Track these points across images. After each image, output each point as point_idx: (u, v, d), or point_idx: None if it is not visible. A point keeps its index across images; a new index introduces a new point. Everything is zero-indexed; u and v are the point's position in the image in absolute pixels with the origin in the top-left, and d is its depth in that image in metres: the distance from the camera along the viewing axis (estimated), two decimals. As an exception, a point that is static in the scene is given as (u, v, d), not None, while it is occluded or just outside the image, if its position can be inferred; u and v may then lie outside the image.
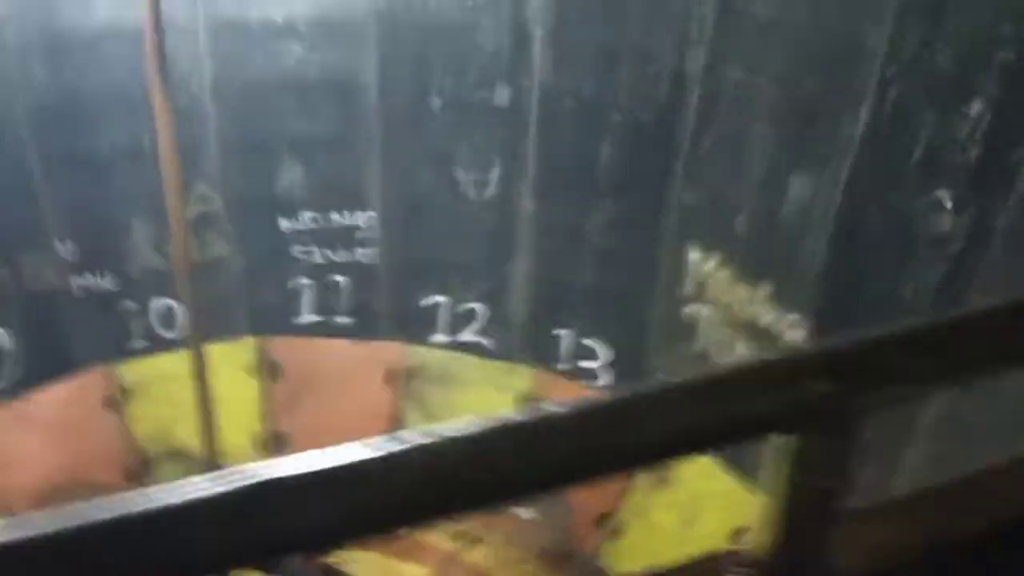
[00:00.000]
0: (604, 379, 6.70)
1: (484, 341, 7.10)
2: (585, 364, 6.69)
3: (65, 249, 6.50)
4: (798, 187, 5.02)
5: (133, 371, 7.02)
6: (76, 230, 6.48)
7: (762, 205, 5.30)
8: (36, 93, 6.03)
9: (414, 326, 7.18)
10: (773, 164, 5.20)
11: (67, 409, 6.84)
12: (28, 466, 6.67)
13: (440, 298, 7.07)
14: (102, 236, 6.58)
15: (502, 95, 6.22)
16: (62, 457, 6.82)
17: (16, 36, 5.86)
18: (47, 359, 6.70)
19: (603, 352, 6.64)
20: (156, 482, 6.98)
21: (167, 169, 4.50)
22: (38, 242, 6.39)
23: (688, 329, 5.98)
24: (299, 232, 6.95)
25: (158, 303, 6.89)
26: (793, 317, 5.20)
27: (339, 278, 7.12)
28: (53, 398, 6.78)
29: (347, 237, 6.97)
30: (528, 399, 7.07)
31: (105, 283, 6.75)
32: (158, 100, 4.38)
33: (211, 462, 5.44)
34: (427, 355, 7.24)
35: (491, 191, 6.56)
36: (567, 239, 6.43)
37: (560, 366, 6.84)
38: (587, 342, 6.64)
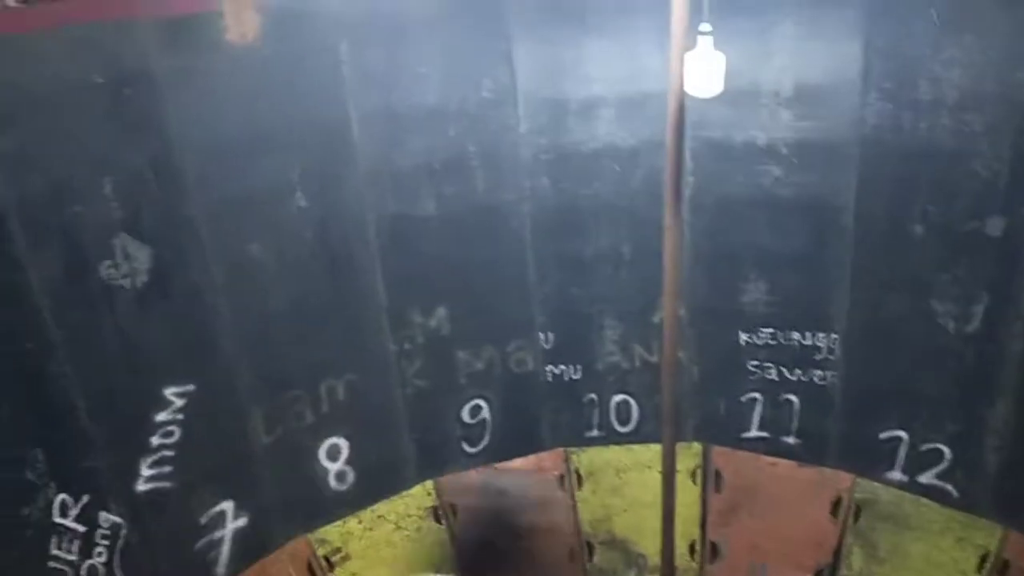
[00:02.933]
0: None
1: (948, 487, 6.48)
2: (1075, 535, 5.79)
3: (544, 339, 7.26)
4: None
5: (587, 458, 7.53)
6: (556, 323, 7.21)
7: None
8: (539, 201, 6.89)
9: (868, 459, 6.79)
10: None
11: (526, 482, 7.54)
12: (487, 528, 7.45)
13: (901, 433, 6.62)
14: (577, 331, 7.24)
15: (995, 225, 5.76)
16: (515, 525, 7.51)
17: (527, 149, 6.76)
18: (516, 434, 7.47)
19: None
20: (596, 566, 7.39)
21: (669, 278, 4.87)
22: (524, 331, 7.22)
23: None
24: (756, 347, 7.01)
25: (617, 398, 7.37)
26: None
27: (792, 397, 7.01)
28: (516, 470, 7.52)
29: (805, 357, 6.86)
30: (994, 560, 6.29)
31: (573, 373, 7.40)
32: (670, 212, 4.79)
33: (668, 566, 5.67)
34: (880, 492, 6.78)
35: (972, 325, 6.05)
36: (1063, 388, 5.69)
37: (1039, 530, 6.00)
38: (1077, 508, 5.76)
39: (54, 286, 5.11)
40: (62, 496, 5.39)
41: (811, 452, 7.07)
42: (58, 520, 5.36)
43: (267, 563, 6.54)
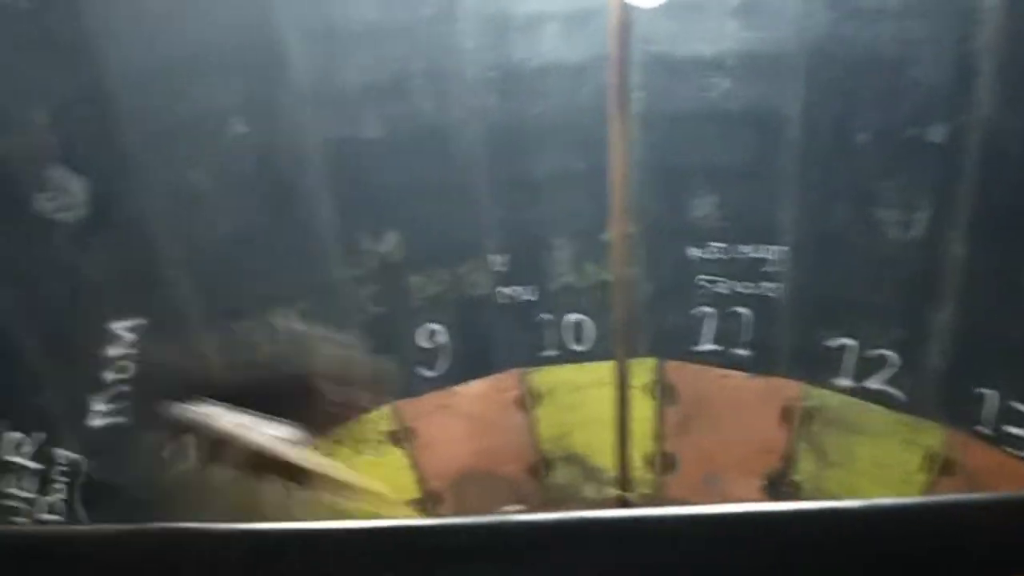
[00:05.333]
0: (1034, 449, 5.95)
1: (893, 391, 6.65)
2: (1012, 430, 5.99)
3: (497, 261, 7.26)
4: None
5: (543, 377, 7.61)
6: (508, 245, 7.20)
7: None
8: (487, 121, 6.80)
9: (816, 367, 6.93)
10: None
11: (484, 404, 7.62)
12: (447, 450, 7.54)
13: (848, 340, 6.76)
14: (529, 252, 7.24)
15: (937, 132, 5.81)
16: (475, 446, 7.62)
17: (472, 68, 6.65)
18: (472, 357, 7.51)
19: (1035, 420, 5.90)
20: (555, 482, 7.53)
21: (617, 195, 4.89)
22: (476, 253, 7.20)
23: None
24: (706, 261, 7.06)
25: (571, 317, 7.42)
26: None
27: (742, 310, 7.11)
28: (473, 392, 7.59)
29: (754, 270, 6.94)
30: (937, 460, 6.51)
31: (527, 294, 7.42)
32: (616, 128, 4.77)
33: (622, 476, 5.82)
34: (828, 398, 6.95)
35: (915, 232, 6.14)
36: (1002, 289, 5.82)
37: (980, 428, 6.20)
38: (1017, 406, 5.94)
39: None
40: (14, 435, 5.35)
41: (761, 363, 7.20)
42: (10, 458, 5.32)
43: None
